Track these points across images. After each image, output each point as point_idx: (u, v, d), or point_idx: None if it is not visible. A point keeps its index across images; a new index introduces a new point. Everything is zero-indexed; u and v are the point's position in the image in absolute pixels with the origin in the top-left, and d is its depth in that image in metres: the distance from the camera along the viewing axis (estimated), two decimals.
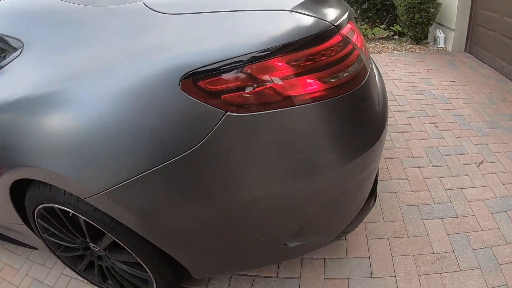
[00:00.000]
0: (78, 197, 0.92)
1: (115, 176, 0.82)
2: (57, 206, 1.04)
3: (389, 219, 1.49)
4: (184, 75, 0.73)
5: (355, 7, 4.27)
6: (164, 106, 0.75)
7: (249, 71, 0.73)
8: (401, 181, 1.71)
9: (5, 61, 1.08)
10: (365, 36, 4.55)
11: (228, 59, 0.73)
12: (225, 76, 0.73)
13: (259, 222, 0.87)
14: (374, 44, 4.20)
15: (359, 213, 1.03)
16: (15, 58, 1.03)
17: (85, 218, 1.01)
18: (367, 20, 4.37)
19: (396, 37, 4.31)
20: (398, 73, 3.05)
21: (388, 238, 1.39)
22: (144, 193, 0.82)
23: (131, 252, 1.03)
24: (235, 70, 0.73)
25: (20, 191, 1.12)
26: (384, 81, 2.88)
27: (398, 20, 4.08)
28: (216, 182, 0.79)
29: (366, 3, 4.17)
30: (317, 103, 0.78)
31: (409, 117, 2.28)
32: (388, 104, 1.62)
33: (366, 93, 0.91)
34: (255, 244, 0.93)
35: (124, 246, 1.02)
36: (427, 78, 2.87)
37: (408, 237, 1.39)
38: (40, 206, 1.11)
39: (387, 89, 2.76)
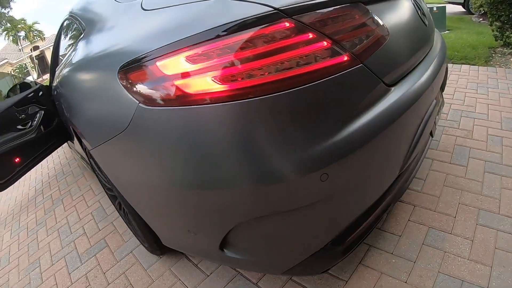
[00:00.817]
0: None
1: (96, 139, 0.98)
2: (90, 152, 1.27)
3: (413, 281, 1.05)
4: (120, 66, 0.77)
5: (502, 8, 3.06)
6: (110, 92, 0.82)
7: (152, 66, 0.68)
8: (463, 240, 1.17)
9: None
10: (509, 45, 3.23)
11: (141, 54, 0.71)
12: (137, 70, 0.72)
13: (180, 215, 0.82)
14: None
15: (315, 256, 0.76)
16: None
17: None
18: None
19: None
20: None
21: None
22: (108, 156, 0.97)
23: (121, 203, 1.16)
24: (143, 65, 0.71)
25: None
26: (501, 105, 2.00)
27: None
28: (136, 165, 0.80)
29: None
30: (222, 104, 0.61)
31: None
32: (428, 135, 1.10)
33: (312, 101, 0.65)
34: (190, 235, 0.86)
35: (117, 196, 1.17)
36: None
37: None
38: (87, 149, 1.37)
39: (505, 114, 1.90)
